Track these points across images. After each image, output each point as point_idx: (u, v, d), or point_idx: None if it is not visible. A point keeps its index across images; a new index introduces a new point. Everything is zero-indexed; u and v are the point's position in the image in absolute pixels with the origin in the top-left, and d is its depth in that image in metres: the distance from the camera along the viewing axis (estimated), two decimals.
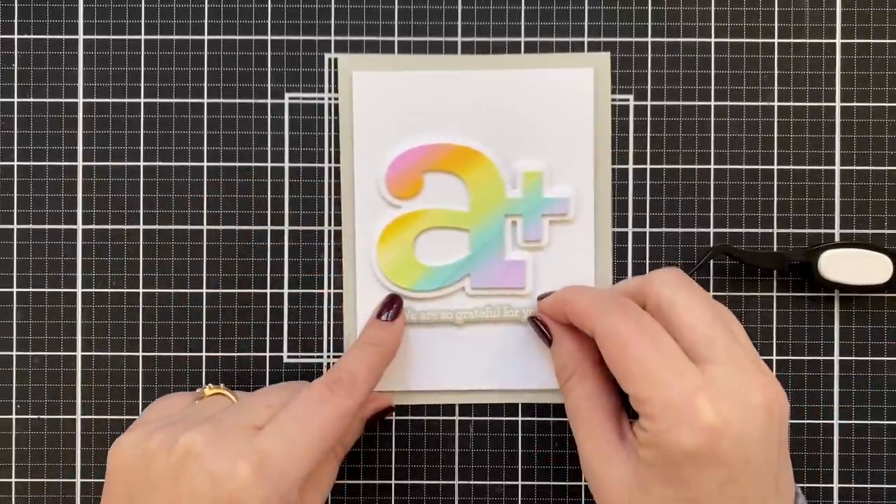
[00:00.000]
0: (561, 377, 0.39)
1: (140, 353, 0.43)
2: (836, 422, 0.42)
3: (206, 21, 0.43)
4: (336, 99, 0.42)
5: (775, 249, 0.42)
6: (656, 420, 0.32)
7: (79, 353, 0.43)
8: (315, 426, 0.35)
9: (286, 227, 0.43)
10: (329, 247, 0.43)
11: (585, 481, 0.41)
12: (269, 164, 0.43)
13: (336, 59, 0.43)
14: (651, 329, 0.34)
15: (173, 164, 0.43)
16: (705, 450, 0.32)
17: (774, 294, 0.43)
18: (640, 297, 0.36)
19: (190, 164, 0.43)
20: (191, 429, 0.34)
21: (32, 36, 0.43)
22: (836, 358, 0.42)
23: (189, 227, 0.43)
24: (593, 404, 0.37)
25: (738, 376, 0.33)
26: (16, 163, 0.43)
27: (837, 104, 0.42)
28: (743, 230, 0.42)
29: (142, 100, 0.43)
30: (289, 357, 0.43)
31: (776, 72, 0.43)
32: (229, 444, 0.34)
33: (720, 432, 0.32)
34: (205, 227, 0.43)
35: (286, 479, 0.34)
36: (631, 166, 0.42)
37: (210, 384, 0.39)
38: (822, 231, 0.42)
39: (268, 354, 0.43)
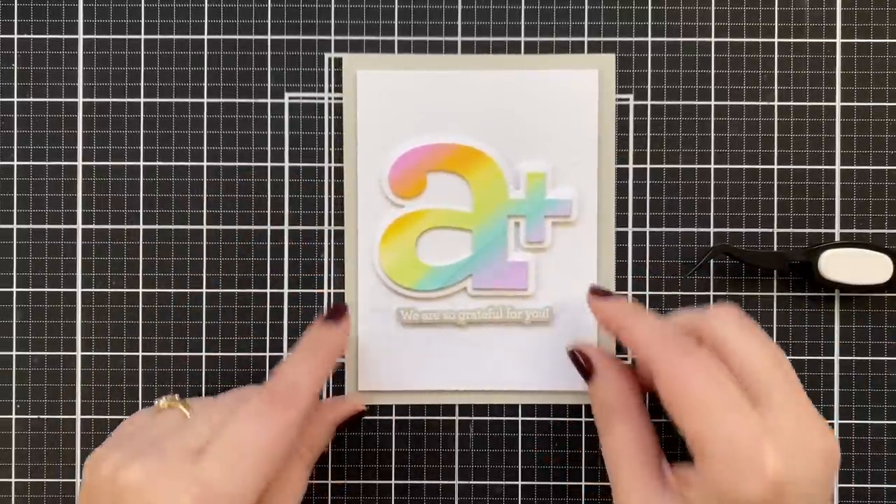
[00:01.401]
0: (602, 414, 0.37)
1: (140, 353, 0.43)
2: (836, 422, 0.42)
3: (206, 21, 0.43)
4: (336, 98, 0.42)
5: (775, 249, 0.42)
6: (716, 460, 0.32)
7: (79, 353, 0.43)
8: (255, 448, 0.33)
9: (286, 227, 0.43)
10: (329, 247, 0.43)
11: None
12: (269, 164, 0.43)
13: (338, 59, 0.42)
14: (712, 367, 0.33)
15: (173, 164, 0.43)
16: (770, 499, 0.31)
17: (774, 294, 0.43)
18: (694, 333, 0.35)
19: (190, 164, 0.43)
20: (132, 462, 0.33)
21: (32, 36, 0.43)
22: (836, 358, 0.42)
23: (189, 227, 0.43)
24: (637, 445, 0.36)
25: (798, 423, 0.32)
26: (16, 163, 0.43)
27: (837, 104, 0.43)
28: (743, 230, 0.43)
29: (142, 100, 0.43)
30: None
31: (776, 72, 0.43)
32: (170, 476, 0.32)
33: (785, 482, 0.31)
34: (205, 227, 0.43)
35: None
36: (631, 166, 0.42)
37: (166, 396, 0.37)
38: (822, 231, 0.43)
39: (268, 354, 0.43)
